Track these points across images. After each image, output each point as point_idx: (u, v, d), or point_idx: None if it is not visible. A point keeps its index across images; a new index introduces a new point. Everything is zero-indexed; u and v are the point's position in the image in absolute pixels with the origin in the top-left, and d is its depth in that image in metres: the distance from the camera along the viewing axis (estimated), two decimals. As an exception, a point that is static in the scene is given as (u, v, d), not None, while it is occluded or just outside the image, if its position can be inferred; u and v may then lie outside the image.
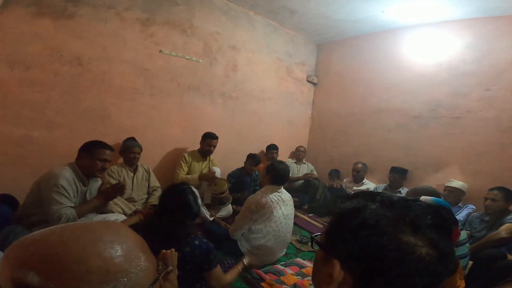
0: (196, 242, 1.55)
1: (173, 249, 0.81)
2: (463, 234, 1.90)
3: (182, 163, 3.40)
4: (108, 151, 2.14)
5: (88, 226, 0.49)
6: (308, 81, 5.12)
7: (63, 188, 1.92)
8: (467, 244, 1.93)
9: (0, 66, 2.47)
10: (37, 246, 0.43)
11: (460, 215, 2.93)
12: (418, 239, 0.47)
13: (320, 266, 0.55)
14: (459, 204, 3.09)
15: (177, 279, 0.81)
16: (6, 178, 2.46)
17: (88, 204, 2.10)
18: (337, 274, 0.51)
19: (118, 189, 2.19)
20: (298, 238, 3.03)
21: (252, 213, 2.40)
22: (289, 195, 2.66)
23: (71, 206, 1.97)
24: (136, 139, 3.02)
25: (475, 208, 2.98)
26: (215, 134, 3.51)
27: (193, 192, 1.64)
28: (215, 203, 3.23)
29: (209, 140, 3.46)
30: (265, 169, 2.60)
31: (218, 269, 1.68)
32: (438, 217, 0.50)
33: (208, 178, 3.30)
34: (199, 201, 1.66)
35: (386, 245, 0.47)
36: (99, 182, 2.31)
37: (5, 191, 2.29)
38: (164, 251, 0.78)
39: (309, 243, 2.93)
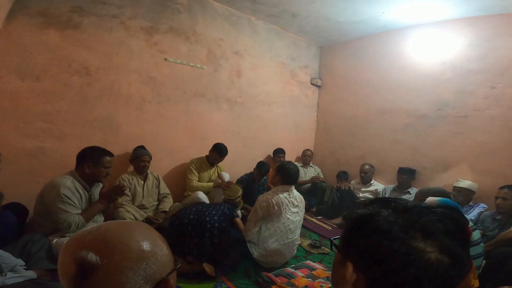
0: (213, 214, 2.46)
1: None
2: (476, 234, 1.88)
3: (193, 169, 3.43)
4: (110, 158, 2.20)
5: (126, 222, 0.67)
6: (312, 84, 5.13)
7: (66, 197, 1.95)
8: (482, 244, 1.91)
9: (11, 77, 2.52)
10: (92, 235, 0.57)
11: (471, 214, 2.90)
12: (428, 245, 0.49)
13: (337, 268, 0.59)
14: (470, 203, 3.06)
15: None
16: (20, 188, 2.50)
17: (92, 209, 2.13)
18: (349, 275, 0.54)
19: (118, 191, 2.23)
20: (310, 242, 3.03)
21: (262, 211, 2.43)
22: (301, 197, 2.67)
23: (78, 213, 2.00)
24: (145, 147, 3.06)
25: (486, 206, 2.95)
26: (225, 151, 3.47)
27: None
28: None
29: (216, 154, 3.46)
30: (275, 170, 2.64)
31: (238, 219, 2.74)
32: (452, 223, 0.52)
33: (223, 186, 3.30)
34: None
35: (396, 250, 0.49)
36: (101, 186, 2.34)
37: (20, 201, 2.33)
38: None
39: (322, 247, 2.97)
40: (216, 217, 2.44)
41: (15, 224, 1.99)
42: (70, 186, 2.01)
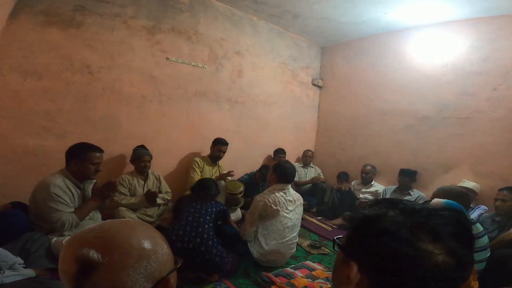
0: (218, 204, 2.55)
1: None
2: (485, 240, 1.87)
3: (195, 167, 3.44)
4: (98, 153, 2.12)
5: (127, 221, 0.67)
6: (313, 84, 5.13)
7: (57, 195, 1.92)
8: (488, 250, 1.91)
9: (13, 75, 2.53)
10: (94, 233, 0.57)
11: (472, 216, 2.89)
12: (436, 247, 0.48)
13: (340, 267, 0.58)
14: (471, 205, 3.06)
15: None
16: (21, 187, 2.47)
17: (85, 206, 2.10)
18: (353, 275, 0.54)
19: (111, 187, 2.19)
20: (310, 242, 3.03)
21: (259, 212, 2.43)
22: (298, 195, 2.68)
23: (71, 212, 1.98)
24: (146, 146, 3.05)
25: (487, 208, 2.95)
26: (225, 140, 3.55)
27: (212, 181, 2.82)
28: (230, 204, 3.29)
29: (219, 146, 3.51)
30: (272, 168, 2.64)
31: (231, 219, 2.80)
32: (459, 227, 0.52)
33: (224, 177, 3.40)
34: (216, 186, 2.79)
35: (404, 251, 0.49)
36: (94, 182, 2.29)
37: (20, 199, 2.32)
38: None
39: (322, 248, 2.96)
40: (205, 235, 2.18)
41: (26, 223, 1.97)
42: (61, 185, 1.97)
